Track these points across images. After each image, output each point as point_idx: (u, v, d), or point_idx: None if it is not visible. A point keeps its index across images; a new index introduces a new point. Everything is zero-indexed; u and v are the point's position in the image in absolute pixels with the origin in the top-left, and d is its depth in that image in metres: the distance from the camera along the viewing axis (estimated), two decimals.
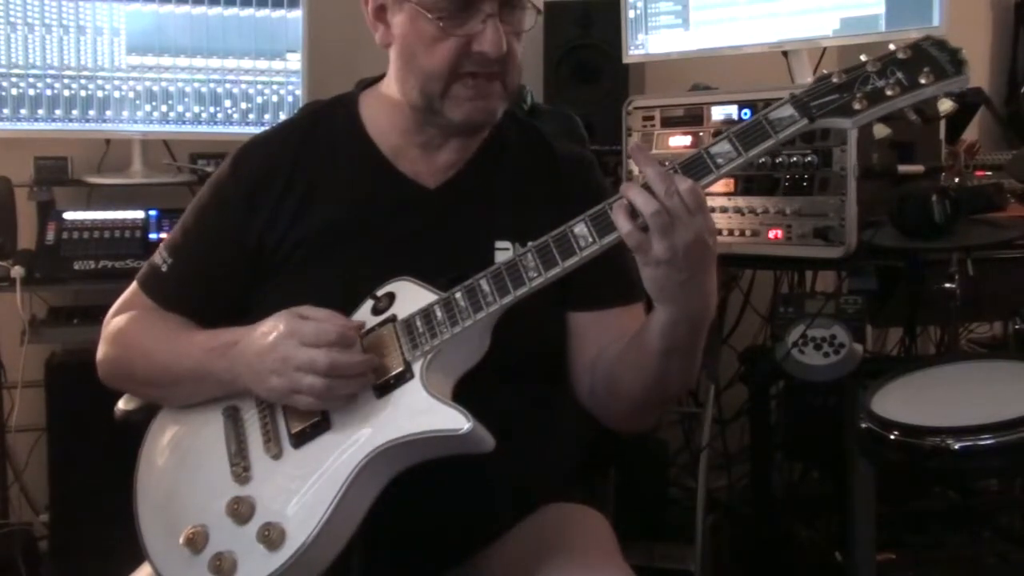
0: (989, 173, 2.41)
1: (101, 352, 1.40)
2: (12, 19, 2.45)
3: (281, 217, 1.35)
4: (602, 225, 1.14)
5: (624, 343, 1.28)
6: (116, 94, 2.53)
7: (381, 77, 1.41)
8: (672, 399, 1.31)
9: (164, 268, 1.39)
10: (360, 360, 1.19)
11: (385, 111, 1.39)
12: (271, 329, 1.21)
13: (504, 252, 1.33)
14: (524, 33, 1.31)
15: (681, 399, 2.68)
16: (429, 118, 1.33)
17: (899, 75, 1.11)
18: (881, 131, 1.23)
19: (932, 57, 1.12)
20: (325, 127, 1.42)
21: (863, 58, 1.14)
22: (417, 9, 1.27)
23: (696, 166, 1.13)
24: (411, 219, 1.35)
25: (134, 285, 1.43)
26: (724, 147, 1.13)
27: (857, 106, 1.11)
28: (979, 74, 3.25)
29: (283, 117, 2.55)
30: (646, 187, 1.10)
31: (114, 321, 1.41)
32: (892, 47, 1.13)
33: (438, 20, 1.25)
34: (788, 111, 1.13)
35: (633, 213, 1.11)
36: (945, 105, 1.13)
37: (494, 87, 1.29)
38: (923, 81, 1.11)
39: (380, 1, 1.32)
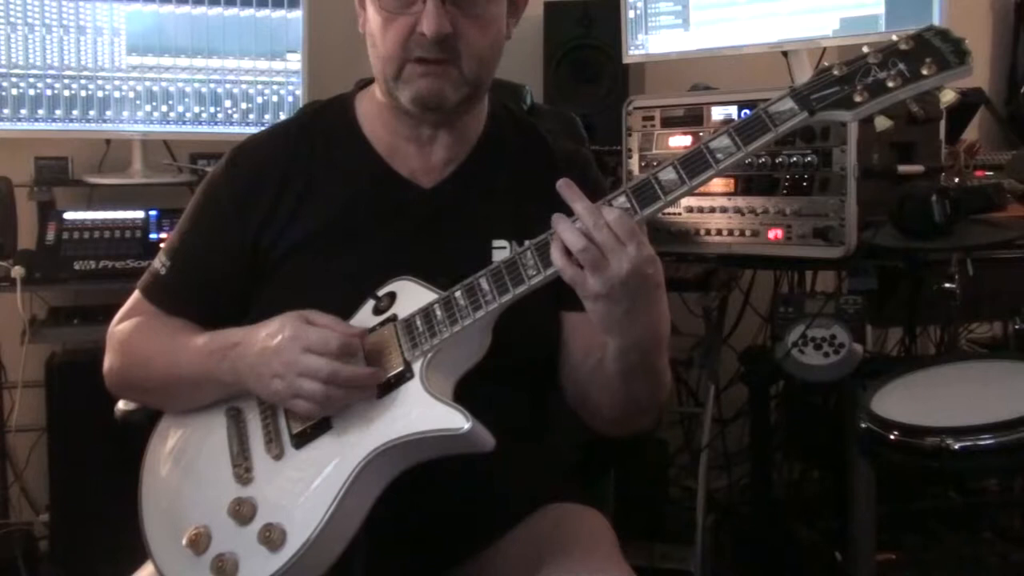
0: (989, 173, 2.40)
1: (106, 363, 1.40)
2: (12, 19, 2.45)
3: (277, 217, 1.35)
4: None
5: (594, 360, 1.27)
6: (116, 94, 2.53)
7: None
8: (648, 413, 1.30)
9: (163, 272, 1.39)
10: (362, 372, 1.18)
11: (377, 109, 1.38)
12: (276, 331, 1.20)
13: (501, 251, 1.33)
14: (483, 17, 1.27)
15: (682, 399, 2.68)
16: (397, 106, 1.32)
17: (901, 66, 1.09)
18: (883, 123, 1.21)
19: (935, 47, 1.10)
20: (321, 127, 1.41)
21: (865, 49, 1.12)
22: None
23: (694, 162, 1.11)
24: (408, 219, 1.35)
25: (136, 292, 1.42)
26: (723, 142, 1.11)
27: (858, 98, 1.10)
28: (979, 74, 3.24)
29: (283, 117, 2.54)
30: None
31: (117, 330, 1.40)
32: (895, 38, 1.11)
33: (384, 2, 1.27)
34: (788, 104, 1.11)
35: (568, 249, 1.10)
36: (948, 96, 1.11)
37: (447, 71, 1.27)
38: (925, 72, 1.08)
39: None
